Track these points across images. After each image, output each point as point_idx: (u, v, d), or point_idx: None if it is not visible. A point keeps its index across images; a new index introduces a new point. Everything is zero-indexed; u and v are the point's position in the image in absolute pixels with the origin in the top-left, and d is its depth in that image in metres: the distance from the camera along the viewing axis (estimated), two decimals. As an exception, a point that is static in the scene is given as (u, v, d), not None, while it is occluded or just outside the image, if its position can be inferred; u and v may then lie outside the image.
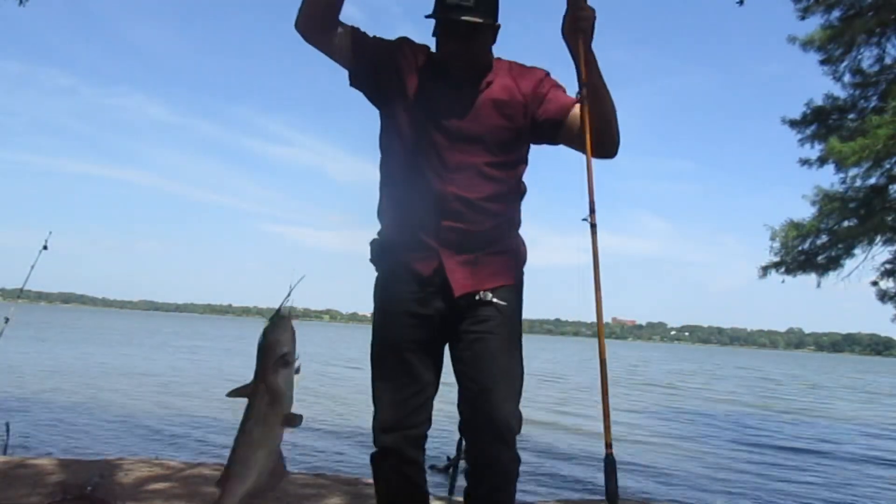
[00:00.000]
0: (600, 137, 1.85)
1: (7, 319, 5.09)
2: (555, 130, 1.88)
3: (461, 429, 1.87)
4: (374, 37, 1.88)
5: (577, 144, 1.88)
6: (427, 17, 1.82)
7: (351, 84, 1.89)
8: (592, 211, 1.85)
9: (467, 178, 1.82)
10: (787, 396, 22.45)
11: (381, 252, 1.93)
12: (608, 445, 1.76)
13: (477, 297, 1.82)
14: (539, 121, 1.87)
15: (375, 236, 1.97)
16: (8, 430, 5.93)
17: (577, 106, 1.86)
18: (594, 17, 1.80)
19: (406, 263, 1.85)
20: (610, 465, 1.74)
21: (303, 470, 5.41)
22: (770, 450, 10.06)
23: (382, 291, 1.90)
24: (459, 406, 1.86)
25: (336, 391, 15.27)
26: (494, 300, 1.82)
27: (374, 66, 1.86)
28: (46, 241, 4.97)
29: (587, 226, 1.86)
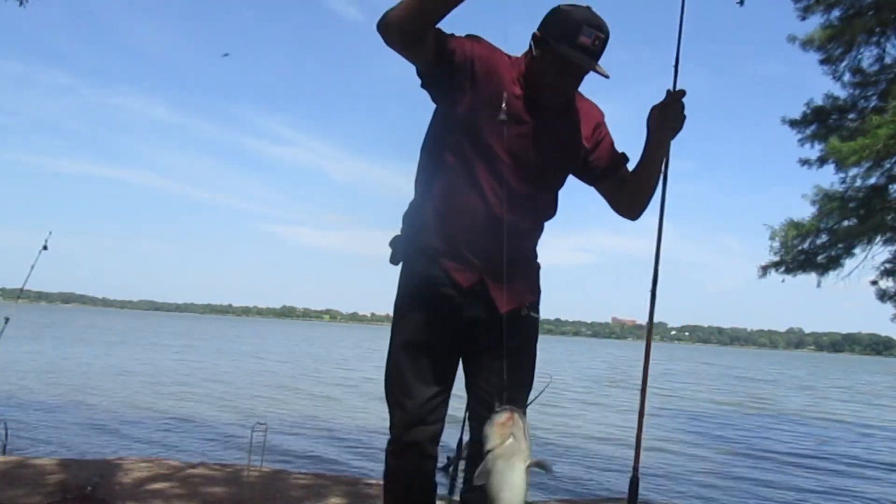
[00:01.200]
0: (638, 207, 1.97)
1: (7, 319, 5.09)
2: (600, 178, 1.96)
3: (475, 430, 1.87)
4: (453, 35, 1.78)
5: (611, 194, 1.98)
6: (552, 44, 1.73)
7: (423, 86, 1.83)
8: (655, 283, 2.01)
9: (525, 209, 1.86)
10: (762, 394, 22.61)
11: (416, 252, 1.90)
12: (635, 469, 1.94)
13: (522, 313, 1.90)
14: (590, 165, 1.94)
15: (398, 233, 1.94)
16: (7, 430, 5.93)
17: (624, 167, 1.96)
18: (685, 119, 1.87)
19: (446, 271, 1.84)
20: (633, 486, 1.93)
21: (303, 470, 5.42)
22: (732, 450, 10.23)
23: (419, 292, 1.87)
24: (473, 408, 1.89)
25: (335, 391, 15.29)
26: (532, 314, 1.93)
27: (452, 69, 1.77)
28: (46, 241, 4.97)
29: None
